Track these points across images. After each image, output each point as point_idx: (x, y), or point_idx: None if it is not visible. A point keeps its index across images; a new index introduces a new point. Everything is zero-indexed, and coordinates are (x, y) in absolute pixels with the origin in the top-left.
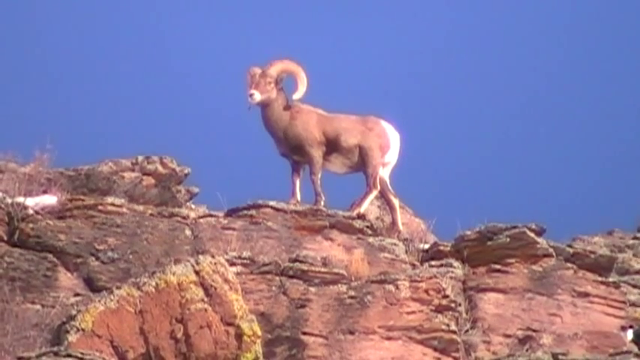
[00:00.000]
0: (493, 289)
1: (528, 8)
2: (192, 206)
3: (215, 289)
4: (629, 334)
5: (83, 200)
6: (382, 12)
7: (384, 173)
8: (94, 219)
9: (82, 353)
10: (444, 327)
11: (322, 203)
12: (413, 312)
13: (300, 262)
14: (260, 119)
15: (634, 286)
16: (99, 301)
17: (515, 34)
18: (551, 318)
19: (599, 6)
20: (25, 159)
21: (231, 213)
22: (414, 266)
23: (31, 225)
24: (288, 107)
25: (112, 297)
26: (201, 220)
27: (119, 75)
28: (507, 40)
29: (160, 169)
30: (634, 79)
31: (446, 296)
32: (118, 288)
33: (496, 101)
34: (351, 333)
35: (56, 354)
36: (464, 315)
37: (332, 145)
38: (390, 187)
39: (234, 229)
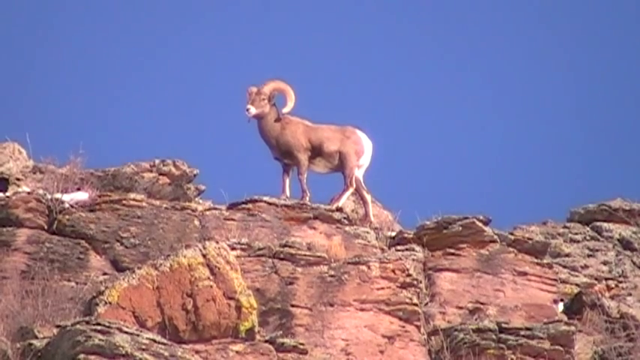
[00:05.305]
0: (448, 269)
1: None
2: (200, 201)
3: (219, 269)
4: (560, 306)
5: (110, 196)
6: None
7: (359, 174)
8: (119, 211)
9: (109, 322)
10: (407, 300)
11: (307, 198)
12: (382, 288)
13: (289, 247)
14: (256, 130)
15: (564, 267)
16: (123, 279)
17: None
18: (496, 293)
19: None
20: (62, 162)
21: (232, 206)
22: (382, 250)
23: (67, 216)
24: (279, 119)
25: (133, 276)
26: (208, 213)
27: (141, 92)
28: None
29: (174, 170)
30: (559, 80)
31: (409, 275)
32: (139, 268)
33: (447, 107)
34: (331, 305)
35: (88, 323)
36: (424, 290)
37: (316, 151)
38: (363, 184)
39: (234, 219)
